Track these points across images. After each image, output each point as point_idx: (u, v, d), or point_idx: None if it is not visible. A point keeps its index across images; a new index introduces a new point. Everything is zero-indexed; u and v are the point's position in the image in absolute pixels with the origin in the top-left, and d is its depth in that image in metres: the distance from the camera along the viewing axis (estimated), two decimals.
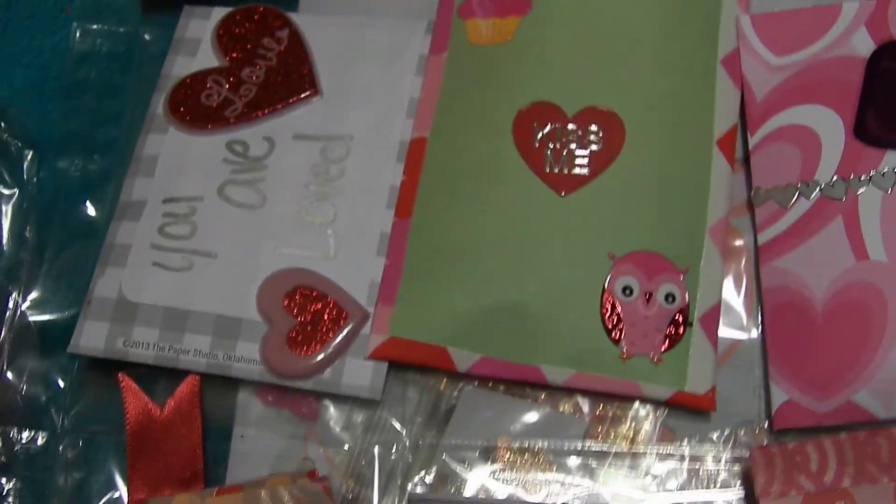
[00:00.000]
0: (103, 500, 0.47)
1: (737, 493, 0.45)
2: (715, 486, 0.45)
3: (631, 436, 0.46)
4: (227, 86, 0.52)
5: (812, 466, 0.43)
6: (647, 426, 0.46)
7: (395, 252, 0.49)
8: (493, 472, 0.46)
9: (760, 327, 0.47)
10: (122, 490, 0.47)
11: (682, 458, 0.46)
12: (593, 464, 0.46)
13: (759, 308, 0.47)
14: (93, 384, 0.49)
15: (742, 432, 0.45)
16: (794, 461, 0.43)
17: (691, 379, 0.46)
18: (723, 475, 0.45)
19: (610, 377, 0.46)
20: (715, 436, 0.46)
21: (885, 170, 0.46)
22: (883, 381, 0.44)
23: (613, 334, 0.46)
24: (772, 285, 0.47)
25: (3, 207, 0.53)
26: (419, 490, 0.46)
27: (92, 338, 0.48)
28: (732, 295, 0.48)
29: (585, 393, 0.47)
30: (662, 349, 0.46)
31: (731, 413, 0.46)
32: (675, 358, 0.46)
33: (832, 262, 0.46)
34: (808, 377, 0.45)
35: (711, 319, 0.47)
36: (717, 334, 0.47)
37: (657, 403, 0.46)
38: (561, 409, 0.47)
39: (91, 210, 0.53)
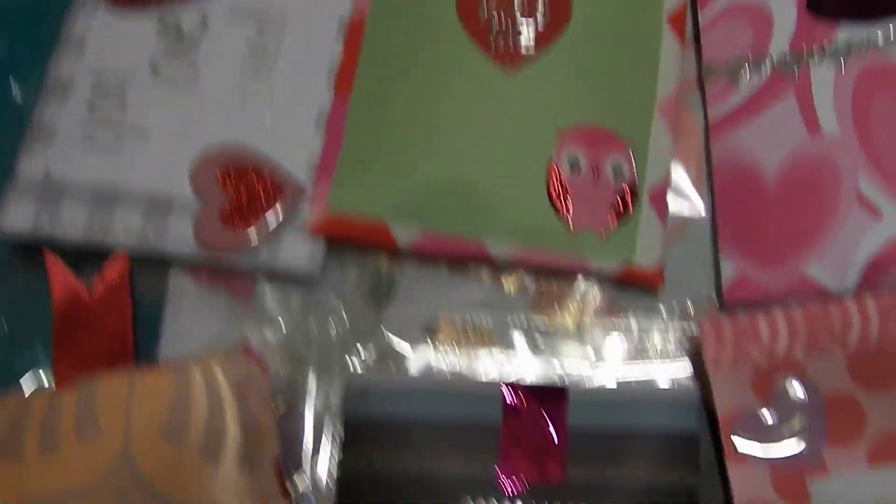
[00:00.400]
0: (25, 376, 0.45)
1: (685, 367, 0.43)
2: (663, 360, 0.43)
3: (577, 312, 0.45)
4: None
5: (763, 338, 0.41)
6: (593, 302, 0.45)
7: (335, 128, 0.47)
8: (436, 352, 0.44)
9: (711, 203, 0.46)
10: (48, 374, 0.45)
11: (630, 332, 0.44)
12: (539, 341, 0.44)
13: (710, 184, 0.46)
14: (20, 268, 0.47)
15: (691, 307, 0.44)
16: (745, 333, 0.42)
17: (639, 254, 0.44)
18: (671, 349, 0.44)
19: (557, 251, 0.44)
20: (664, 311, 0.44)
21: (838, 43, 0.44)
22: (834, 253, 0.43)
23: (560, 208, 0.44)
24: (723, 160, 0.46)
25: None
26: (359, 370, 0.44)
27: (18, 217, 0.45)
28: (683, 172, 0.47)
29: (531, 269, 0.45)
30: (610, 224, 0.44)
31: (680, 290, 0.45)
32: (623, 233, 0.44)
33: (784, 136, 0.45)
34: (760, 251, 0.43)
35: (660, 194, 0.45)
36: (666, 210, 0.45)
37: (604, 278, 0.44)
38: (505, 287, 0.45)
39: (17, 90, 0.50)
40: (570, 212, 0.44)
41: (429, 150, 0.45)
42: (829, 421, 0.41)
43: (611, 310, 0.45)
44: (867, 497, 0.40)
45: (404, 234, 0.44)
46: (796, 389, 0.41)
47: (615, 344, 0.44)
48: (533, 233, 0.44)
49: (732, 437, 0.41)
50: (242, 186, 0.45)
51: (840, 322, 0.41)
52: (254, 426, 0.39)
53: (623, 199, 0.45)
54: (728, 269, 0.44)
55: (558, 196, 0.45)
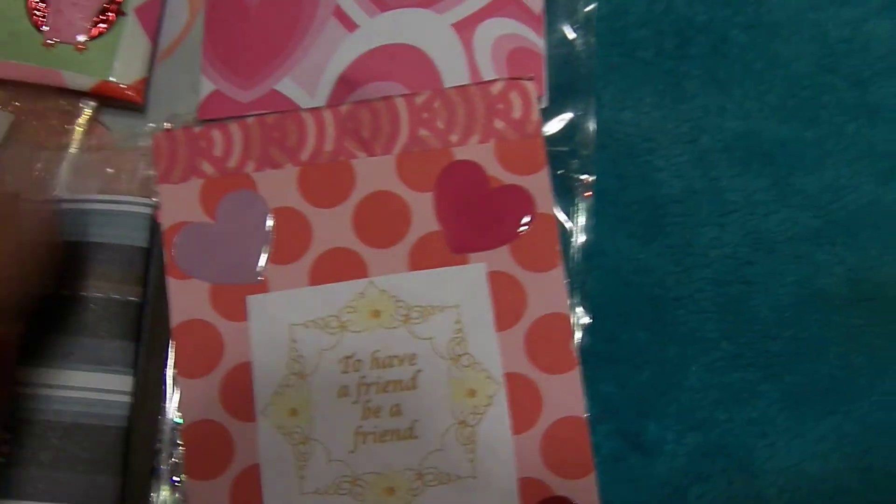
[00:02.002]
0: None
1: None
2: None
3: (63, 130, 0.42)
4: None
5: (216, 151, 0.40)
6: (78, 120, 0.42)
7: None
8: None
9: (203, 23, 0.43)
10: None
11: (112, 150, 0.42)
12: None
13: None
14: None
15: (171, 124, 0.42)
16: (199, 146, 0.40)
17: (119, 69, 0.42)
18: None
19: (30, 65, 0.42)
20: (147, 129, 0.42)
21: None
22: (305, 69, 0.41)
23: (36, 19, 0.42)
24: None
25: None
26: None
27: None
28: None
29: (6, 83, 0.42)
30: (89, 37, 0.41)
31: (168, 108, 0.42)
32: (102, 47, 0.42)
33: None
34: (237, 68, 0.42)
35: (150, 10, 0.43)
36: (155, 26, 0.43)
37: (82, 94, 0.42)
38: None
39: None
40: (47, 23, 0.42)
41: None
42: (276, 238, 0.39)
43: (97, 129, 0.42)
44: (303, 309, 0.38)
45: None
46: (244, 204, 0.39)
47: (92, 162, 0.42)
48: (7, 44, 0.41)
49: (174, 251, 0.39)
50: None
51: (296, 135, 0.39)
52: None
53: (107, 13, 0.42)
54: (206, 87, 0.42)
55: (36, 6, 0.42)
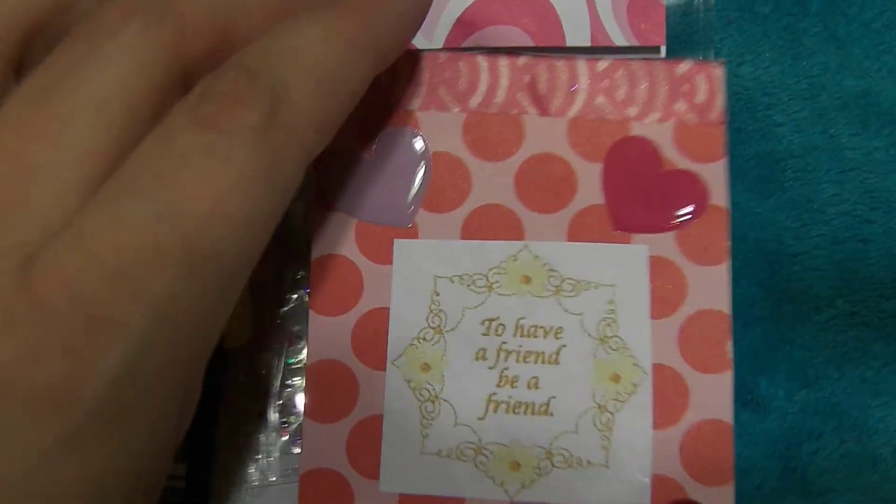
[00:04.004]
0: None
1: None
2: None
3: None
4: None
5: (383, 78, 0.37)
6: None
7: None
8: None
9: None
10: None
11: None
12: None
13: None
14: None
15: None
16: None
17: None
18: None
19: None
20: None
21: None
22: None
23: None
24: None
25: None
26: None
27: None
28: None
29: None
30: None
31: None
32: None
33: None
34: None
35: None
36: None
37: None
38: None
39: None
40: None
41: None
42: (431, 183, 0.37)
43: None
44: (451, 262, 0.36)
45: None
46: (405, 142, 0.37)
47: None
48: None
49: (323, 179, 0.37)
50: None
51: (467, 78, 0.37)
52: None
53: None
54: None
55: None
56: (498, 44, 0.38)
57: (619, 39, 0.38)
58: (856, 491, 0.39)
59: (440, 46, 0.38)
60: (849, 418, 0.38)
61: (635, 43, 0.39)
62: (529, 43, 0.38)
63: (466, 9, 0.39)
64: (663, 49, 0.39)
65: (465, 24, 0.38)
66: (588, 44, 0.39)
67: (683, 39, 0.40)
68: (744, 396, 0.39)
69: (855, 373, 0.39)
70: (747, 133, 0.40)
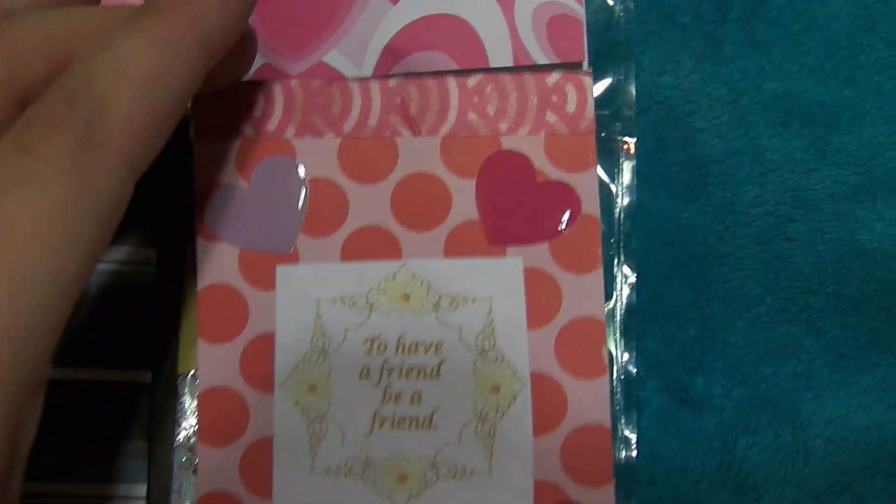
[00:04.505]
0: None
1: None
2: None
3: None
4: None
5: (256, 111, 0.38)
6: None
7: None
8: None
9: None
10: None
11: None
12: None
13: None
14: None
15: None
16: (238, 104, 0.38)
17: None
18: None
19: None
20: None
21: None
22: (352, 40, 0.39)
23: None
24: None
25: None
26: None
27: None
28: None
29: None
30: None
31: None
32: None
33: None
34: (285, 40, 0.40)
35: None
36: None
37: None
38: None
39: None
40: None
41: None
42: (310, 208, 0.38)
43: None
44: (332, 285, 0.37)
45: None
46: (281, 171, 0.38)
47: None
48: None
49: (206, 212, 0.38)
50: None
51: (340, 104, 0.38)
52: None
53: None
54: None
55: None
56: (425, 69, 0.39)
57: (541, 58, 0.39)
58: (789, 483, 0.40)
59: (369, 75, 0.39)
60: (783, 412, 0.40)
61: (556, 60, 0.39)
62: (454, 66, 0.39)
63: (393, 37, 0.40)
64: (585, 64, 0.39)
65: (392, 52, 0.39)
66: (511, 63, 0.39)
67: (604, 53, 0.41)
68: (680, 395, 0.40)
69: (787, 368, 0.40)
70: (670, 141, 0.41)
